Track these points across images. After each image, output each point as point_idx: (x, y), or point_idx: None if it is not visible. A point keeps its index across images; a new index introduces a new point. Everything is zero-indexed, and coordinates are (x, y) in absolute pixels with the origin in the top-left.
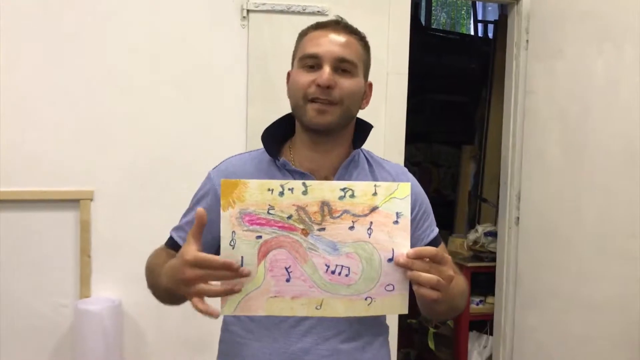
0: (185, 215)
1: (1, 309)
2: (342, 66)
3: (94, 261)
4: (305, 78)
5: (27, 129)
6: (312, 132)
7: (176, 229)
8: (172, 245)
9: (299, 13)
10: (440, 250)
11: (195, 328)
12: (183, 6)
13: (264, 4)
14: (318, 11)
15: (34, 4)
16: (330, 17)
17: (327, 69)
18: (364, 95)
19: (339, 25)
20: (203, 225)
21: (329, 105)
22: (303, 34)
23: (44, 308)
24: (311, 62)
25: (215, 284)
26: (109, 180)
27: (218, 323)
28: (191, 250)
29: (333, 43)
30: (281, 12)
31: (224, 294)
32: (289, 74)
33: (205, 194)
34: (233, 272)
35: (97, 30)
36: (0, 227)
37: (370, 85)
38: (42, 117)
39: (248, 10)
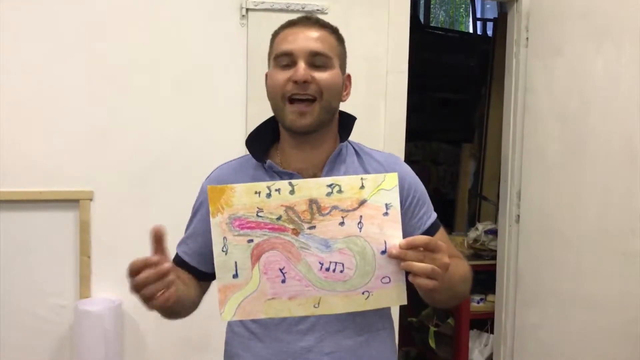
0: (187, 228)
1: (1, 310)
2: (316, 60)
3: (93, 261)
4: (281, 76)
5: (26, 129)
6: (296, 133)
7: (179, 243)
8: (179, 262)
9: (298, 11)
10: (438, 237)
11: (195, 329)
12: (182, 5)
13: (263, 3)
14: (317, 9)
15: (33, 4)
16: (330, 15)
17: (301, 65)
18: (343, 87)
19: (310, 20)
20: (158, 241)
21: (307, 105)
22: (275, 34)
23: (43, 309)
24: (286, 60)
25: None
26: (109, 180)
27: (218, 324)
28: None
29: (305, 38)
30: (280, 10)
31: (157, 294)
32: (267, 76)
33: (199, 205)
34: (156, 269)
35: (96, 30)
36: (0, 227)
37: (349, 76)
38: (41, 117)
39: (247, 9)
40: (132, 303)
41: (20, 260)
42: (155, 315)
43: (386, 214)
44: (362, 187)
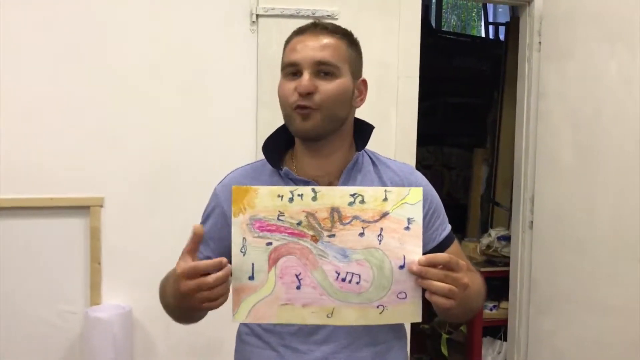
0: None
1: (11, 316)
2: (322, 69)
3: (104, 268)
4: (288, 87)
5: (36, 136)
6: (304, 139)
7: None
8: None
9: (308, 17)
10: (454, 253)
11: (205, 335)
12: (192, 12)
13: (273, 9)
14: (327, 15)
15: (40, 10)
16: (340, 20)
17: (306, 76)
18: (355, 93)
19: (317, 27)
20: (198, 241)
21: (311, 110)
22: (286, 42)
23: (53, 315)
24: (292, 70)
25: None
26: (119, 186)
27: (228, 330)
28: (182, 263)
29: (310, 48)
30: (290, 16)
31: (220, 294)
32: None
33: (212, 211)
34: (223, 270)
35: (107, 36)
36: (11, 234)
37: (364, 81)
38: (51, 124)
39: (257, 15)
40: (142, 309)
41: (30, 266)
42: (165, 321)
43: (407, 228)
44: (385, 199)
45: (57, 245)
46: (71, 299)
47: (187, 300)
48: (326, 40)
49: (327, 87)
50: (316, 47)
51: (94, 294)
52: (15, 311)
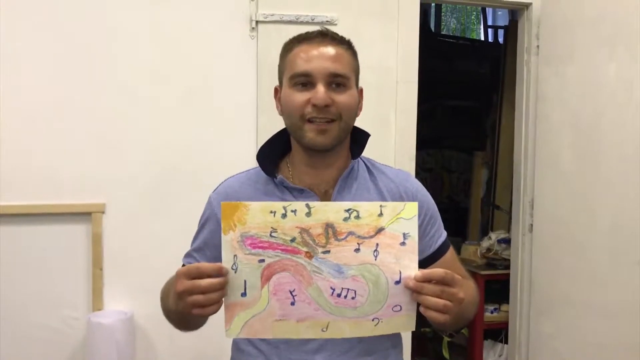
0: (193, 241)
1: (14, 322)
2: (335, 81)
3: (106, 274)
4: (299, 98)
5: (38, 142)
6: (312, 151)
7: (186, 255)
8: None
9: (307, 23)
10: (449, 260)
11: (206, 341)
12: (192, 18)
13: (272, 15)
14: (327, 21)
15: (44, 15)
16: (339, 26)
17: (321, 88)
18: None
19: (326, 37)
20: (217, 271)
21: (328, 124)
22: (289, 48)
23: (56, 321)
24: (303, 80)
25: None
26: (121, 192)
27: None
28: (188, 264)
29: (323, 58)
30: (290, 22)
31: (212, 301)
32: (276, 90)
33: (207, 219)
34: (219, 278)
35: (107, 42)
36: (13, 240)
37: (361, 91)
38: (52, 130)
39: (257, 22)
40: (144, 315)
41: (33, 272)
42: (167, 327)
43: (403, 243)
44: (381, 214)
45: (59, 251)
46: (73, 305)
47: (181, 301)
48: (336, 50)
49: (342, 98)
50: (328, 58)
51: (96, 300)
52: (18, 317)
